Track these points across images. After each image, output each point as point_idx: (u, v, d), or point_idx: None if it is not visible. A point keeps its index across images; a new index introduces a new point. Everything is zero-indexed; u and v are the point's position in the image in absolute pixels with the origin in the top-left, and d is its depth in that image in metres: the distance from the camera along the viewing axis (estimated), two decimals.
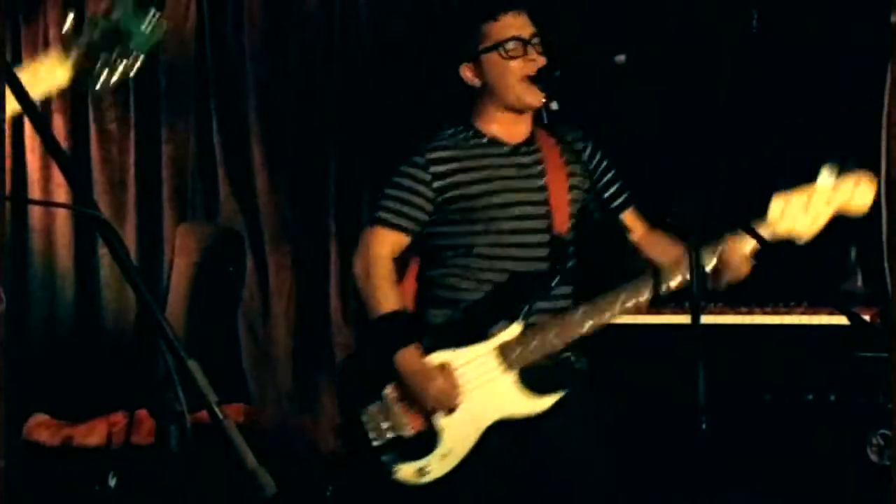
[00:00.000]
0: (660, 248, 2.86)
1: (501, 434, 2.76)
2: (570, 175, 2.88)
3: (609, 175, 2.95)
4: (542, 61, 2.81)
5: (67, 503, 4.06)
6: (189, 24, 4.75)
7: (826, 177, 2.60)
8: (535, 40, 2.82)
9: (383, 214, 2.84)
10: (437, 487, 2.76)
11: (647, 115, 2.89)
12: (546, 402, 2.75)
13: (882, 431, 3.35)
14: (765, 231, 2.61)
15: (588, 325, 2.72)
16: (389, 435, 2.76)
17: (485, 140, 2.86)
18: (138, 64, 2.20)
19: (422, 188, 2.82)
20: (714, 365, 2.46)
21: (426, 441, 2.74)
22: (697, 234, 2.46)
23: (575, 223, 2.87)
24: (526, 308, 2.77)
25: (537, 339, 2.74)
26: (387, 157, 2.95)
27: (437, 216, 2.84)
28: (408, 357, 2.74)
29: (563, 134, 2.93)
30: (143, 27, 2.17)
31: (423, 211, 2.83)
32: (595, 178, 2.93)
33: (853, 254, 3.50)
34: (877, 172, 2.45)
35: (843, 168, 2.60)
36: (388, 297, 2.79)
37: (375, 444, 2.76)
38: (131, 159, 4.86)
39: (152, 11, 2.19)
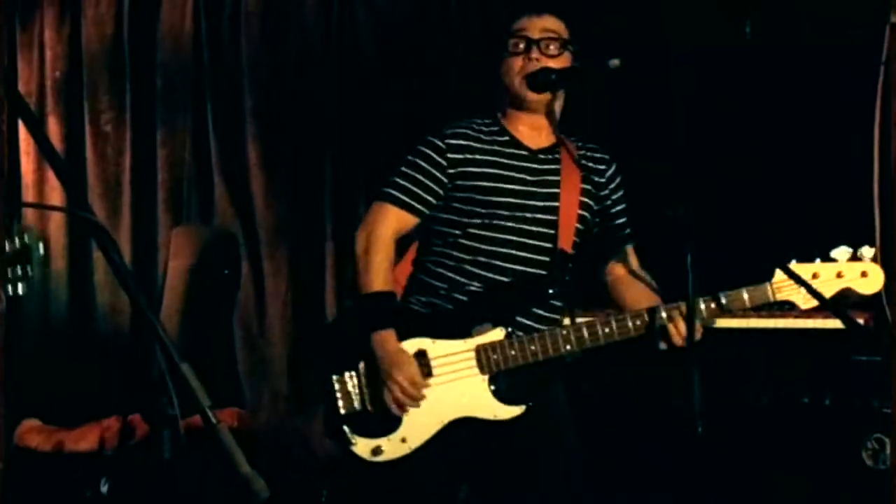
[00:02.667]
0: (633, 293, 2.90)
1: (470, 430, 2.76)
2: (584, 193, 2.88)
3: (621, 206, 2.97)
4: (544, 62, 2.80)
5: None
6: (186, 26, 4.75)
7: (836, 259, 2.67)
8: (546, 43, 2.81)
9: (394, 192, 2.85)
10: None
11: (643, 116, 2.89)
12: (513, 410, 2.76)
13: (877, 435, 3.35)
14: (764, 295, 2.69)
15: (568, 349, 2.75)
16: (357, 406, 2.78)
17: (506, 138, 2.87)
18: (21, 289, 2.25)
19: (436, 172, 2.83)
20: (709, 368, 2.46)
21: (388, 421, 2.76)
22: (692, 234, 2.46)
23: (577, 242, 2.87)
24: (515, 316, 2.78)
25: (517, 348, 2.75)
26: (383, 160, 2.94)
27: (445, 202, 2.85)
28: (384, 339, 2.76)
29: (588, 151, 2.94)
30: (37, 255, 2.22)
31: (435, 194, 2.84)
32: (608, 202, 2.94)
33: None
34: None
35: (854, 254, 2.66)
36: (381, 277, 2.80)
37: (342, 412, 2.78)
38: (127, 162, 4.85)
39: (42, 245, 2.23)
